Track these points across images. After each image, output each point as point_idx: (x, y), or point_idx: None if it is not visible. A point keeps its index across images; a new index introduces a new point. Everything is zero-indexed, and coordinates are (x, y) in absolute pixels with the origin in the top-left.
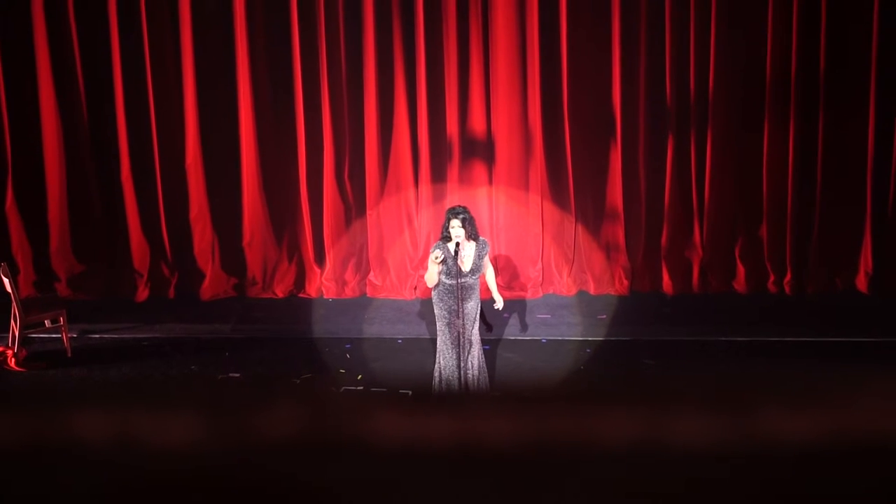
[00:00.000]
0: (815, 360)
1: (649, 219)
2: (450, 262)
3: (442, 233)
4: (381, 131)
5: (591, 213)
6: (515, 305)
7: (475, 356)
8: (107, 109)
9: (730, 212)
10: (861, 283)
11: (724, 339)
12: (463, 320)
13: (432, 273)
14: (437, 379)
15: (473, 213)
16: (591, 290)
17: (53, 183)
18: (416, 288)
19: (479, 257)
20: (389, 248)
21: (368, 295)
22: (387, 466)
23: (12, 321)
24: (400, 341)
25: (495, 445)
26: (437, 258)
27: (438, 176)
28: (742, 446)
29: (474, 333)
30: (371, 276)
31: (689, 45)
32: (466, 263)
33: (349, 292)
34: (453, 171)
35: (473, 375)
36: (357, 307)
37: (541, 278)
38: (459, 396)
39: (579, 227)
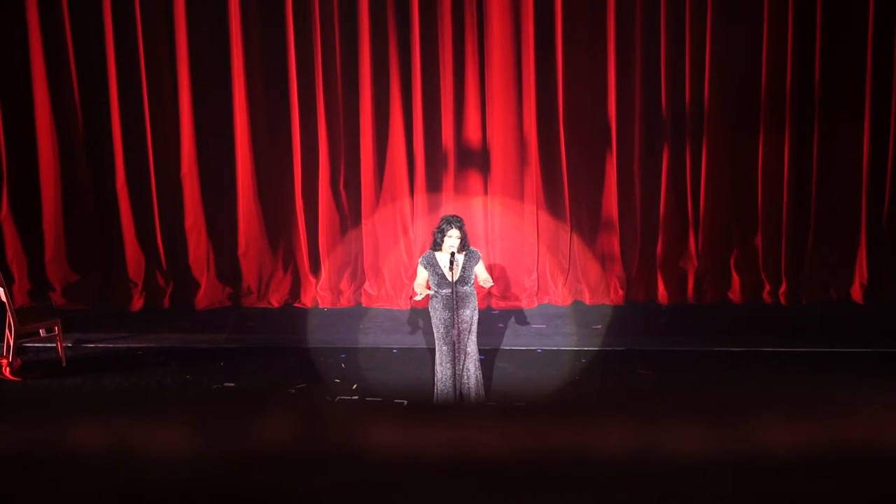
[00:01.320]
0: (810, 371)
1: (644, 229)
2: (440, 272)
3: (433, 241)
4: (377, 141)
5: (586, 223)
6: (510, 315)
7: (472, 366)
8: (102, 119)
9: (725, 222)
10: (856, 293)
11: (719, 349)
12: (458, 329)
13: (420, 283)
14: (437, 388)
15: (467, 223)
16: (587, 299)
17: (48, 192)
18: (411, 297)
19: (468, 267)
20: (385, 257)
21: (363, 304)
22: (382, 476)
23: (7, 330)
24: (395, 351)
25: (490, 455)
26: (420, 295)
27: (434, 186)
28: (738, 457)
29: (471, 343)
30: (366, 285)
31: (684, 55)
32: (457, 272)
33: (344, 302)
34: (448, 180)
35: (470, 385)
36: (352, 317)
37: (536, 288)
38: (454, 406)
39: (574, 237)
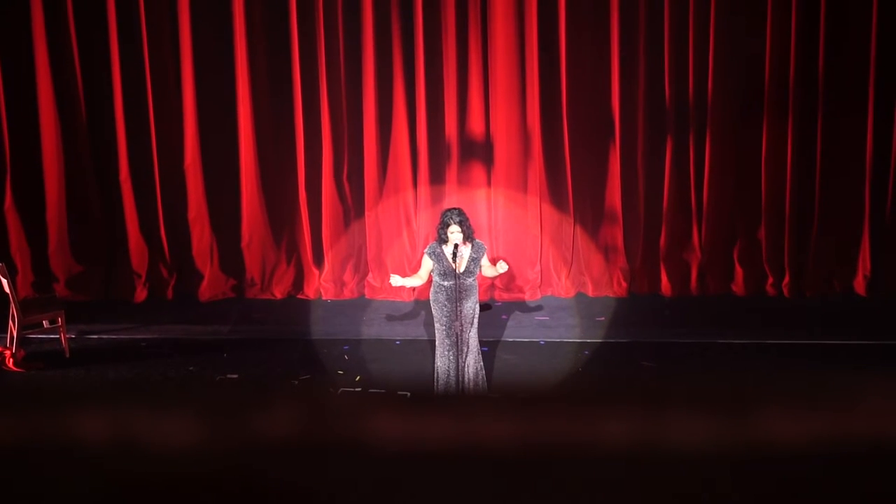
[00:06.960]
0: (813, 363)
1: (648, 221)
2: (446, 263)
3: (438, 234)
4: (380, 132)
5: (589, 215)
6: (513, 307)
7: (473, 357)
8: (106, 110)
9: (728, 214)
10: (859, 285)
11: (722, 341)
12: (461, 322)
13: (420, 277)
14: (436, 380)
15: (471, 215)
16: (590, 291)
17: (52, 183)
18: (414, 289)
19: (473, 259)
20: (388, 249)
21: (367, 296)
22: (385, 468)
23: (10, 321)
24: (398, 342)
25: (493, 447)
26: (401, 283)
27: (437, 177)
28: (740, 449)
29: (472, 335)
30: (370, 277)
31: (687, 47)
32: (462, 265)
33: (348, 293)
34: (452, 172)
35: (471, 377)
36: (355, 308)
37: (539, 280)
38: (457, 398)
39: (578, 229)
